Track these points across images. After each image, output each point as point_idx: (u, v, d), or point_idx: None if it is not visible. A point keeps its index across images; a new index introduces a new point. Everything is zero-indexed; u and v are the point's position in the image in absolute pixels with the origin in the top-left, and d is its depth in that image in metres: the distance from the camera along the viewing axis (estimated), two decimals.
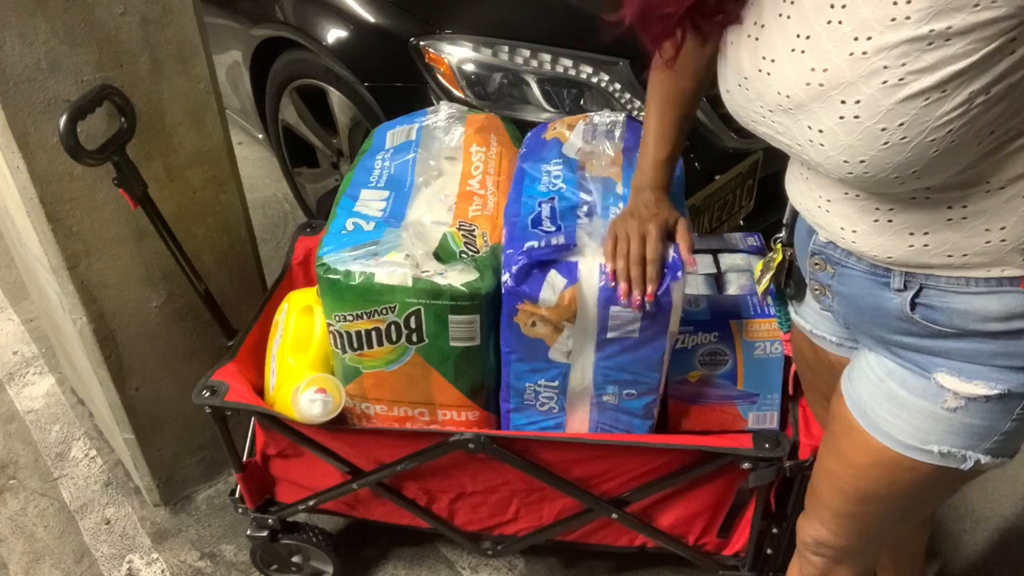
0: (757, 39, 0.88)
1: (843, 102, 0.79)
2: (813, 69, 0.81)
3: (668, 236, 1.27)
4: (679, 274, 1.25)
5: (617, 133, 1.54)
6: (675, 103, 1.25)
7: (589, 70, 2.02)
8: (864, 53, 0.76)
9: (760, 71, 0.88)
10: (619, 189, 1.41)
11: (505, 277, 1.28)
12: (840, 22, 0.78)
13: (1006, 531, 1.91)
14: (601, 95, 2.03)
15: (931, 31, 0.72)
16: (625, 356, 1.34)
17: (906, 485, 1.04)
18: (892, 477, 1.04)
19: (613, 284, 1.25)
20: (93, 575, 1.91)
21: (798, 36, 0.83)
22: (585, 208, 1.37)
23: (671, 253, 1.26)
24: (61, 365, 2.39)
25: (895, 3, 0.73)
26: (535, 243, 1.30)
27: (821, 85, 0.81)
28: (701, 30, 0.95)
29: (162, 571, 1.91)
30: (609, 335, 1.31)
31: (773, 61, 0.86)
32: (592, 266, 1.27)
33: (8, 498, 2.09)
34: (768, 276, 1.20)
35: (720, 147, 2.11)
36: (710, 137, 2.10)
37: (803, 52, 0.82)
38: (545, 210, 1.37)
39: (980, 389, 0.94)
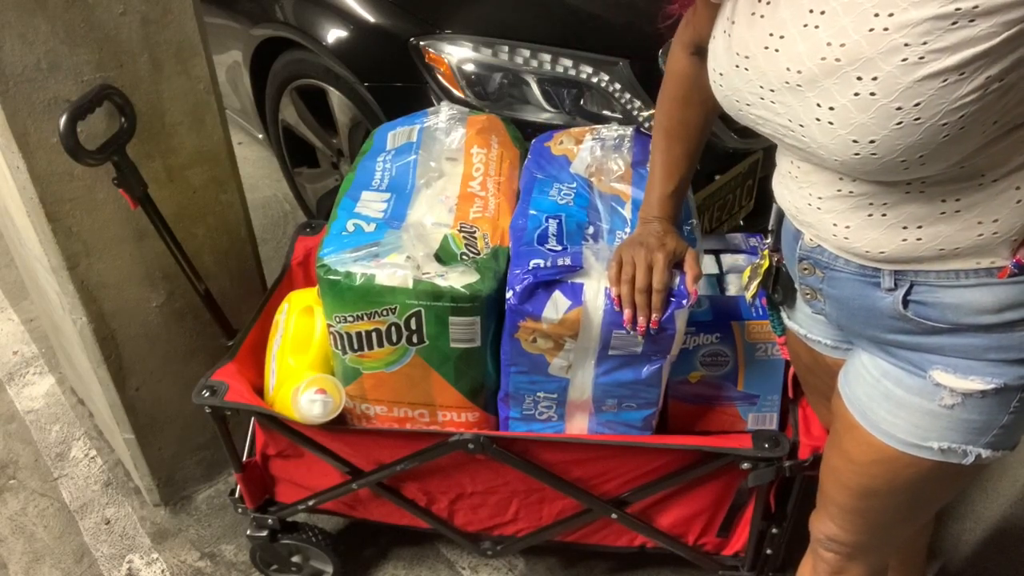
0: (763, 16, 0.88)
1: (859, 78, 0.79)
2: (829, 44, 0.80)
3: (676, 266, 1.28)
4: (684, 303, 1.26)
5: (625, 147, 1.54)
6: (680, 138, 1.25)
7: (589, 70, 2.02)
8: (885, 29, 0.76)
9: (767, 48, 0.87)
10: (627, 212, 1.42)
11: (509, 295, 1.28)
12: None
13: (1006, 531, 1.92)
14: (601, 95, 2.02)
15: (957, 9, 0.72)
16: (625, 372, 1.34)
17: (907, 480, 1.04)
18: (893, 473, 1.04)
19: (619, 309, 1.26)
20: (93, 575, 1.92)
21: (811, 11, 0.82)
22: (592, 229, 1.37)
23: (677, 281, 1.27)
24: (61, 365, 2.39)
25: None
26: (540, 262, 1.30)
27: (838, 60, 0.80)
28: None
29: (162, 571, 1.91)
30: (610, 352, 1.31)
31: (782, 38, 0.85)
32: (597, 288, 1.27)
33: (8, 498, 2.09)
34: (756, 283, 1.20)
35: (720, 147, 2.11)
36: (710, 137, 2.09)
37: (817, 27, 0.82)
38: (552, 227, 1.37)
39: (976, 384, 0.94)
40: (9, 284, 2.77)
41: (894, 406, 1.01)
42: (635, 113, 2.01)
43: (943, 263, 0.91)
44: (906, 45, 0.75)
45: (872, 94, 0.78)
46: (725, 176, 2.15)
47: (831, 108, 0.82)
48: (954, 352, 0.95)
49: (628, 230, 1.37)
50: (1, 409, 2.33)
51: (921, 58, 0.75)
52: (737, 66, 0.92)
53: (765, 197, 2.31)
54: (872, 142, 0.81)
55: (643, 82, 2.03)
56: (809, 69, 0.83)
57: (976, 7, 0.72)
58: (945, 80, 0.75)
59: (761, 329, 1.43)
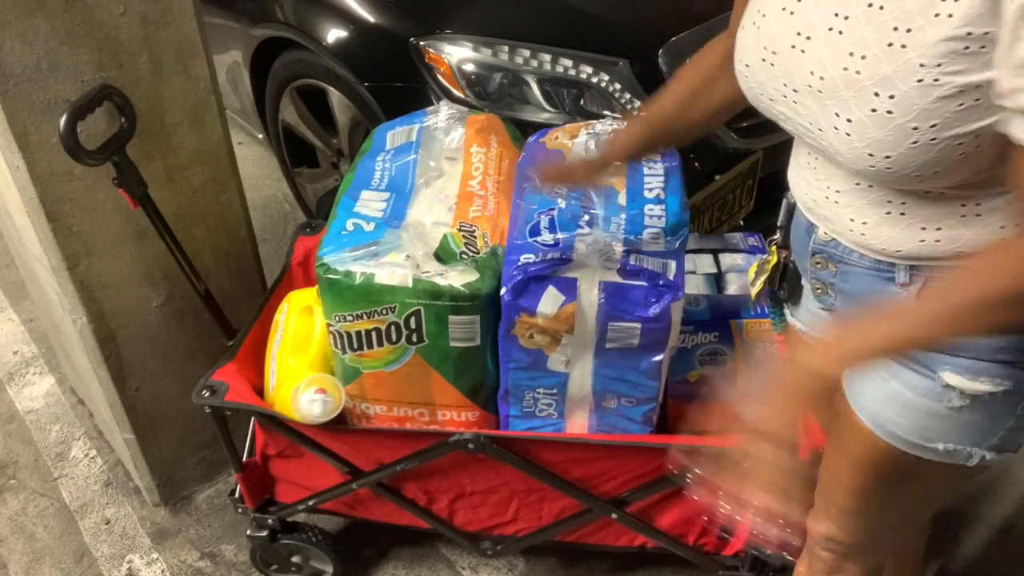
0: (792, 13, 0.87)
1: (877, 94, 0.79)
2: (851, 54, 0.80)
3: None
4: (680, 294, 1.26)
5: None
6: (688, 87, 1.15)
7: (589, 70, 2.02)
8: (903, 46, 0.76)
9: (793, 47, 0.87)
10: (621, 199, 1.41)
11: (503, 291, 1.28)
12: (881, 7, 0.77)
13: (1006, 531, 1.91)
14: (601, 95, 2.03)
15: (968, 34, 0.72)
16: (624, 365, 1.34)
17: (911, 482, 1.04)
18: (897, 474, 1.04)
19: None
20: (93, 575, 1.92)
21: (836, 15, 0.82)
22: (587, 217, 1.37)
23: (671, 274, 1.26)
24: (61, 365, 2.39)
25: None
26: (532, 256, 1.29)
27: (858, 73, 0.80)
28: None
29: (162, 571, 1.91)
30: (607, 345, 1.31)
31: (808, 38, 0.85)
32: (591, 283, 1.27)
33: (8, 498, 2.09)
34: (762, 279, 1.20)
35: (720, 147, 2.12)
36: (710, 137, 2.10)
37: (840, 33, 0.81)
38: (544, 220, 1.36)
39: (985, 386, 0.94)
40: (9, 284, 2.77)
41: (900, 406, 1.00)
42: (635, 113, 2.01)
43: (961, 262, 0.90)
44: (921, 66, 0.75)
45: (889, 112, 0.78)
46: (725, 176, 2.15)
47: (848, 120, 0.82)
48: (965, 352, 0.94)
49: (623, 216, 1.36)
50: (1, 409, 2.33)
51: (936, 80, 0.75)
52: (763, 60, 0.91)
53: (765, 197, 2.31)
54: (887, 157, 0.81)
55: (643, 82, 2.03)
56: (831, 77, 0.83)
57: (987, 33, 0.71)
58: (961, 104, 0.75)
59: (760, 328, 1.43)
